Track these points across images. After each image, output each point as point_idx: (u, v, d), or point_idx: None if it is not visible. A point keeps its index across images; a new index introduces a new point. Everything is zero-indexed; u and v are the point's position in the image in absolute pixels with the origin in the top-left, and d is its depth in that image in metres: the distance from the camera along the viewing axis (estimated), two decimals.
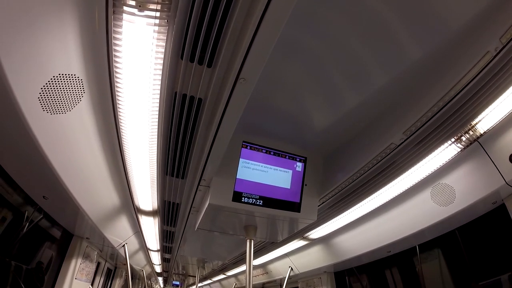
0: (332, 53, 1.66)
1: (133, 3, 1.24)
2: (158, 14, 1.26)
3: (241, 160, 2.28)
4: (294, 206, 2.39)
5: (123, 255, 4.95)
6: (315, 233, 3.73)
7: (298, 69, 1.76)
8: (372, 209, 2.95)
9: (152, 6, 1.24)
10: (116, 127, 2.07)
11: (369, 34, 1.52)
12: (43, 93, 1.47)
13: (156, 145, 2.10)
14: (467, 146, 2.10)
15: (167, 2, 1.22)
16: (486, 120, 1.92)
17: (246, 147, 2.30)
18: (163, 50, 1.40)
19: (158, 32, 1.33)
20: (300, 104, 2.06)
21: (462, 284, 3.09)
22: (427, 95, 1.73)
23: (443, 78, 1.64)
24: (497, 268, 2.69)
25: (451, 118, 1.80)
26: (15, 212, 2.94)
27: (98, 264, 5.45)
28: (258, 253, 4.94)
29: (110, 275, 6.93)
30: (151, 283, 12.85)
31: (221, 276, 8.70)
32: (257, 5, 1.10)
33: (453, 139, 2.04)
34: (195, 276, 8.30)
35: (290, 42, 1.58)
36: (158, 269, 8.88)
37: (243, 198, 2.26)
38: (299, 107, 2.09)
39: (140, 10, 1.26)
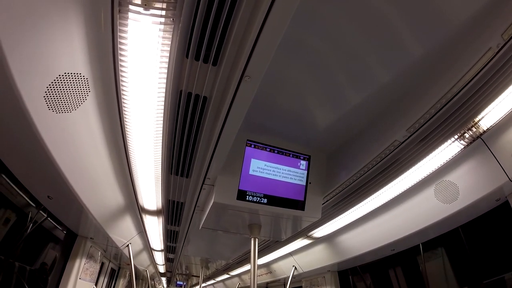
0: (335, 52, 1.66)
1: (139, 2, 1.25)
2: (163, 13, 1.27)
3: (245, 158, 2.29)
4: (299, 204, 2.40)
5: (127, 255, 4.97)
6: (319, 232, 3.74)
7: (300, 67, 1.77)
8: (375, 207, 2.95)
9: (158, 5, 1.25)
10: (121, 126, 2.08)
11: (371, 31, 1.53)
12: (48, 92, 1.49)
13: (161, 144, 2.11)
14: (470, 143, 2.10)
15: (172, 1, 1.23)
16: (488, 117, 1.92)
17: (250, 146, 2.31)
18: (169, 49, 1.41)
19: (164, 31, 1.34)
20: (304, 102, 2.07)
21: (466, 283, 3.08)
22: (430, 92, 1.74)
23: (445, 75, 1.65)
24: (500, 266, 2.69)
25: (454, 115, 1.81)
26: (19, 213, 2.96)
27: (102, 264, 5.47)
28: (262, 252, 4.95)
29: (114, 275, 6.96)
30: (154, 284, 12.87)
31: (225, 276, 8.72)
32: (261, 3, 1.12)
33: (456, 136, 2.04)
34: (199, 276, 8.32)
35: (293, 41, 1.58)
36: (161, 269, 8.90)
37: (247, 196, 2.27)
38: (303, 105, 2.10)
39: (145, 9, 1.27)
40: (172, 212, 3.46)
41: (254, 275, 2.56)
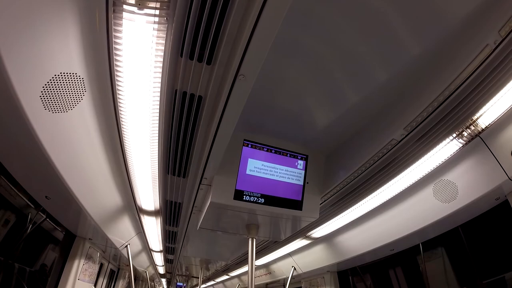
0: (332, 51, 1.66)
1: (133, 1, 1.25)
2: (157, 12, 1.27)
3: (242, 158, 2.28)
4: (296, 204, 2.39)
5: (126, 256, 4.96)
6: (318, 232, 3.72)
7: (298, 67, 1.77)
8: (374, 207, 2.94)
9: (152, 4, 1.25)
10: (117, 125, 2.08)
11: (368, 30, 1.52)
12: (44, 92, 1.49)
13: (157, 143, 2.11)
14: (469, 141, 2.09)
15: (166, 0, 1.23)
16: (487, 114, 1.91)
17: (247, 146, 2.30)
18: (163, 48, 1.41)
19: (158, 30, 1.34)
20: (301, 102, 2.07)
21: (466, 283, 3.07)
22: (427, 90, 1.73)
23: (443, 72, 1.64)
24: (500, 266, 2.68)
25: (452, 113, 1.79)
26: (18, 215, 2.96)
27: (101, 265, 5.47)
28: (261, 252, 4.93)
29: (113, 276, 6.95)
30: (154, 285, 12.85)
31: (224, 277, 8.70)
32: (254, 2, 1.11)
33: (454, 135, 2.03)
34: (198, 277, 8.31)
35: (290, 41, 1.58)
36: (161, 270, 8.89)
37: (244, 196, 2.26)
38: (300, 105, 2.09)
39: (139, 9, 1.27)
40: (170, 212, 3.46)
41: (252, 276, 2.56)
